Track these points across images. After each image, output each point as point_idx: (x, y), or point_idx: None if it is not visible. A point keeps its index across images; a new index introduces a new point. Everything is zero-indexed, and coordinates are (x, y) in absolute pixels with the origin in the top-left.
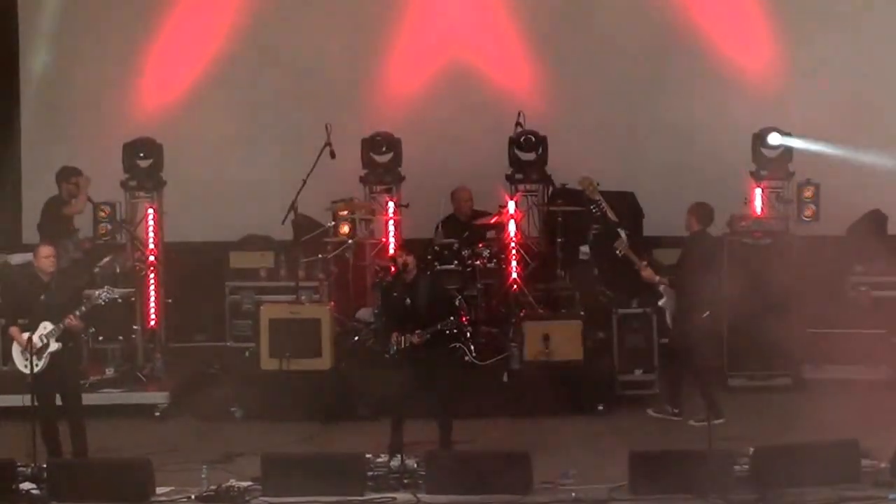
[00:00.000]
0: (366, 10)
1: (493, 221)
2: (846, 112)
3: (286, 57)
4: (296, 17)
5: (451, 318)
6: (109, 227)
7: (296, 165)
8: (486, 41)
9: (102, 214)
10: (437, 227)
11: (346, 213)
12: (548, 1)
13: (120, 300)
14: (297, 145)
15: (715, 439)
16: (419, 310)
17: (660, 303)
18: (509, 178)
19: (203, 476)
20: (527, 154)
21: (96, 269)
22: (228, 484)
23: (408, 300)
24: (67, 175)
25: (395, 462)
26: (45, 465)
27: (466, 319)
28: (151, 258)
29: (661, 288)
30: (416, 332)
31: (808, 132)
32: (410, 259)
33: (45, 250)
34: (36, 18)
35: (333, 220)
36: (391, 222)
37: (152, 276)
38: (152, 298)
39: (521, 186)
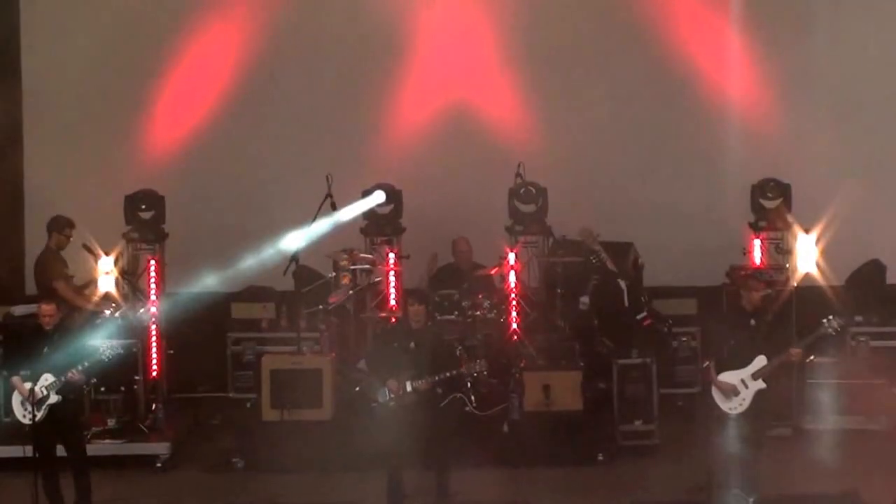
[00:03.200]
0: (367, 63)
1: (493, 272)
2: (844, 160)
3: (287, 109)
4: (296, 71)
5: (480, 360)
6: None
7: (297, 216)
8: (486, 93)
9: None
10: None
11: (346, 263)
12: (549, 55)
13: (122, 352)
14: (298, 196)
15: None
16: (422, 358)
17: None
18: (509, 230)
19: None
20: (527, 206)
21: (98, 321)
22: None
23: (412, 344)
24: (61, 226)
25: None
26: None
27: (467, 368)
28: (153, 309)
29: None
30: (426, 378)
31: (806, 179)
32: (421, 308)
33: (47, 308)
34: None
35: (334, 271)
36: (392, 273)
37: (153, 327)
38: (154, 349)
39: (521, 238)
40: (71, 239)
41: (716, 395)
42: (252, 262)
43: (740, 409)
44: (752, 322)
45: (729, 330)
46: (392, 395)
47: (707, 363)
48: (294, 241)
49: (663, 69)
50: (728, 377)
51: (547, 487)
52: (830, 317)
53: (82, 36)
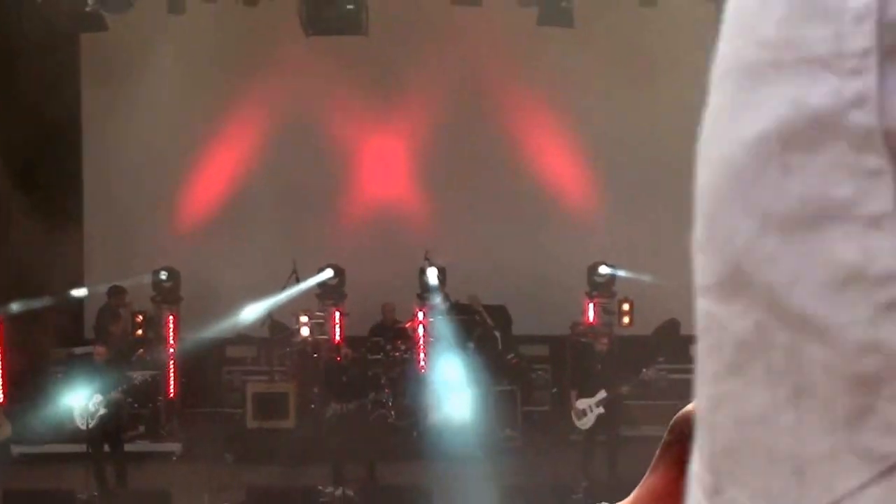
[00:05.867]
0: (318, 177)
1: (408, 325)
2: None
3: (270, 205)
4: (273, 183)
5: (383, 388)
6: (143, 328)
7: (274, 286)
8: (403, 197)
9: (138, 320)
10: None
11: (306, 319)
12: (446, 173)
13: (150, 379)
14: (274, 271)
15: None
16: (355, 385)
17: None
18: (419, 297)
19: (205, 501)
20: (432, 280)
21: (133, 358)
22: None
23: (344, 378)
24: (118, 293)
25: (339, 492)
26: (95, 494)
27: (389, 391)
28: (171, 351)
29: None
30: (354, 401)
31: (625, 263)
32: (349, 351)
33: (100, 350)
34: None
35: (297, 325)
36: (337, 326)
37: (172, 362)
38: (172, 377)
39: (427, 302)
40: (126, 300)
41: (573, 414)
42: (242, 317)
43: (586, 426)
44: (599, 366)
45: (583, 368)
46: (333, 412)
47: (566, 391)
48: (268, 304)
49: (517, 176)
50: (581, 403)
51: (447, 475)
52: (645, 369)
53: (133, 152)
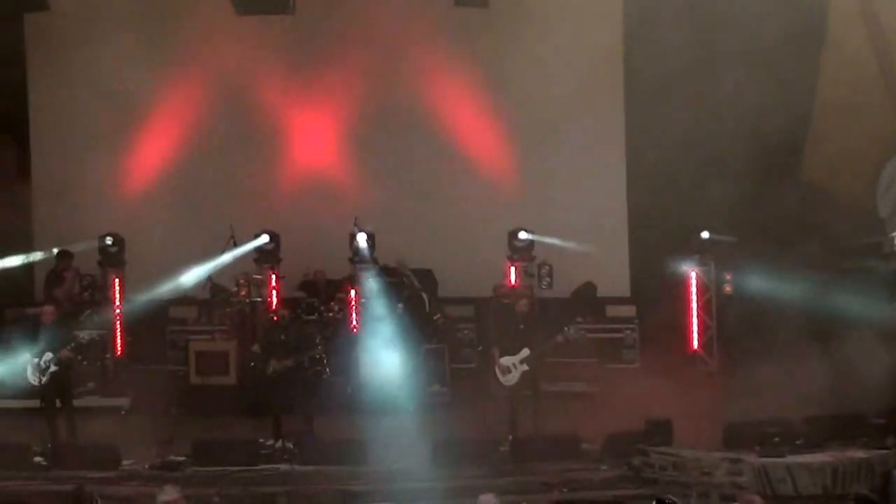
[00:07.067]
0: (252, 150)
1: (340, 288)
2: (570, 214)
3: (209, 175)
4: (215, 155)
5: (318, 346)
6: (90, 290)
7: (213, 251)
8: (334, 165)
9: (85, 282)
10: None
11: (244, 282)
12: (378, 146)
13: (97, 338)
14: (213, 237)
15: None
16: (292, 344)
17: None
18: (350, 261)
19: (152, 453)
20: (362, 245)
21: (82, 318)
22: (169, 458)
23: (282, 337)
24: (64, 257)
25: (279, 444)
26: (49, 447)
27: (324, 350)
28: (117, 311)
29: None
30: (291, 359)
31: (543, 229)
32: (287, 312)
33: (48, 309)
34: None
35: (236, 287)
36: (273, 288)
37: (118, 322)
38: (118, 336)
39: (358, 265)
40: (72, 264)
41: (497, 371)
42: (184, 280)
43: (511, 383)
44: (522, 326)
45: (506, 328)
46: (273, 369)
47: (490, 349)
48: (209, 267)
49: (441, 147)
50: (505, 360)
51: (380, 428)
52: (566, 328)
53: (81, 115)
